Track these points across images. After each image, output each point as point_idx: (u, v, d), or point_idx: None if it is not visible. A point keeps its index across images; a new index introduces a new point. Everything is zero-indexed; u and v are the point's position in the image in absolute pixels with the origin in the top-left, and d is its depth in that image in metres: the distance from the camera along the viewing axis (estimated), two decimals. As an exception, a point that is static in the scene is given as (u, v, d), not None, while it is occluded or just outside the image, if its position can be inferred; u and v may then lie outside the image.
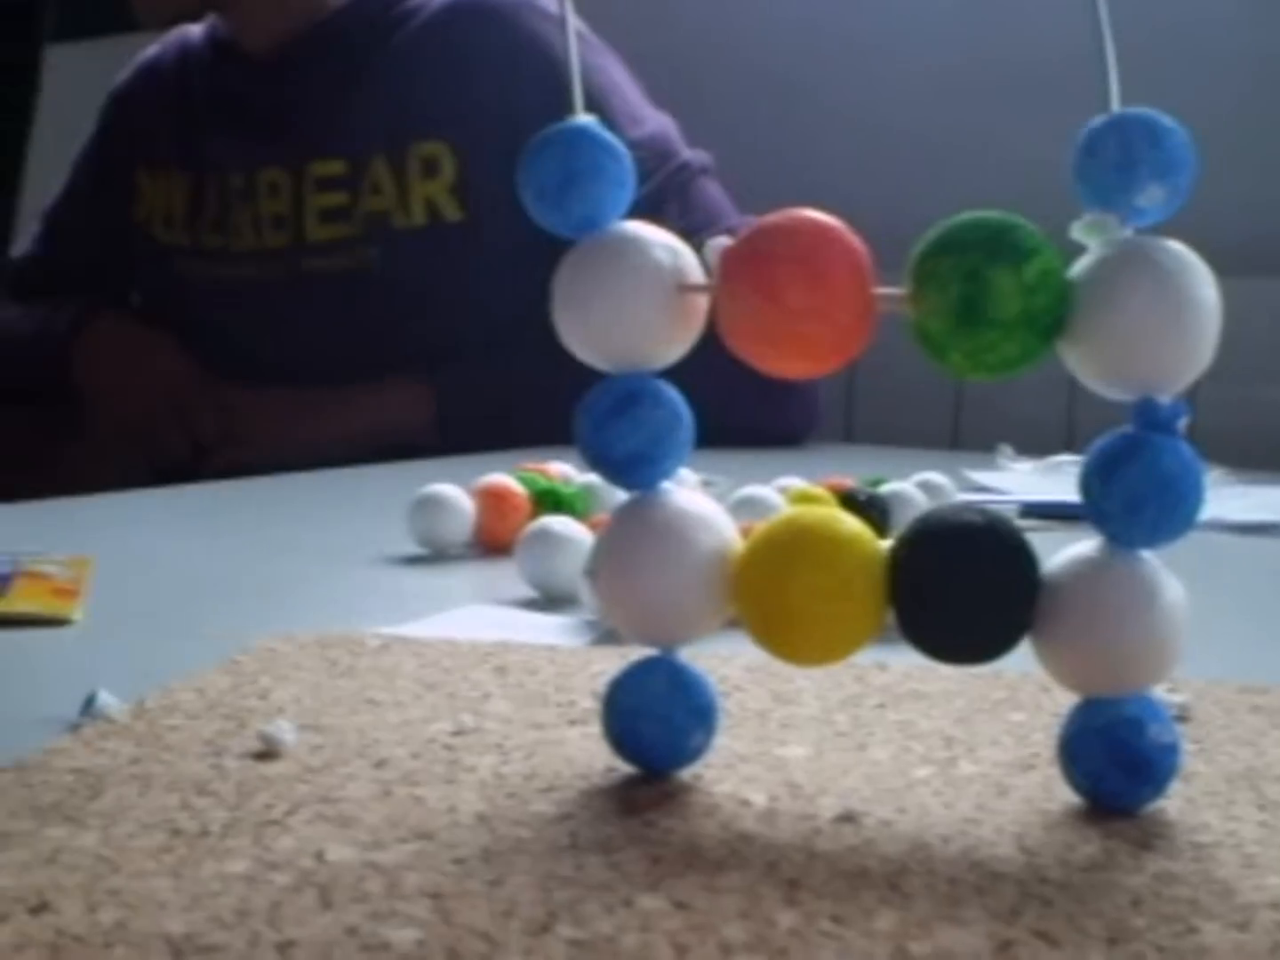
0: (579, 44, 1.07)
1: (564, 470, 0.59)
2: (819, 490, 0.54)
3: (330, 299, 1.06)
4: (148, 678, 0.32)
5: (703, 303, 0.26)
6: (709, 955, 0.19)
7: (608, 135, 0.26)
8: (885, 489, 0.58)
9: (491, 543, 0.54)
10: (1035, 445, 0.85)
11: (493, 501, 0.54)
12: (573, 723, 0.30)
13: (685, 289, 0.25)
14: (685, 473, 0.60)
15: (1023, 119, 1.15)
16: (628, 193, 0.26)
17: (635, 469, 0.26)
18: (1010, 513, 0.60)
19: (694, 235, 0.27)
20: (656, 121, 1.05)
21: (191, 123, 1.11)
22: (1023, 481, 0.76)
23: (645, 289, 0.25)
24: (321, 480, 0.79)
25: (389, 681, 0.33)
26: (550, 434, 0.75)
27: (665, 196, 1.00)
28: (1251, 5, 1.18)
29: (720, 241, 0.25)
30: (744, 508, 0.52)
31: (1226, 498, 0.70)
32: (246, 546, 0.58)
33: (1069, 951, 0.20)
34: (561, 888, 0.21)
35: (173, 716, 0.29)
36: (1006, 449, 0.82)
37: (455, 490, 0.54)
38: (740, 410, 0.91)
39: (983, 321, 0.24)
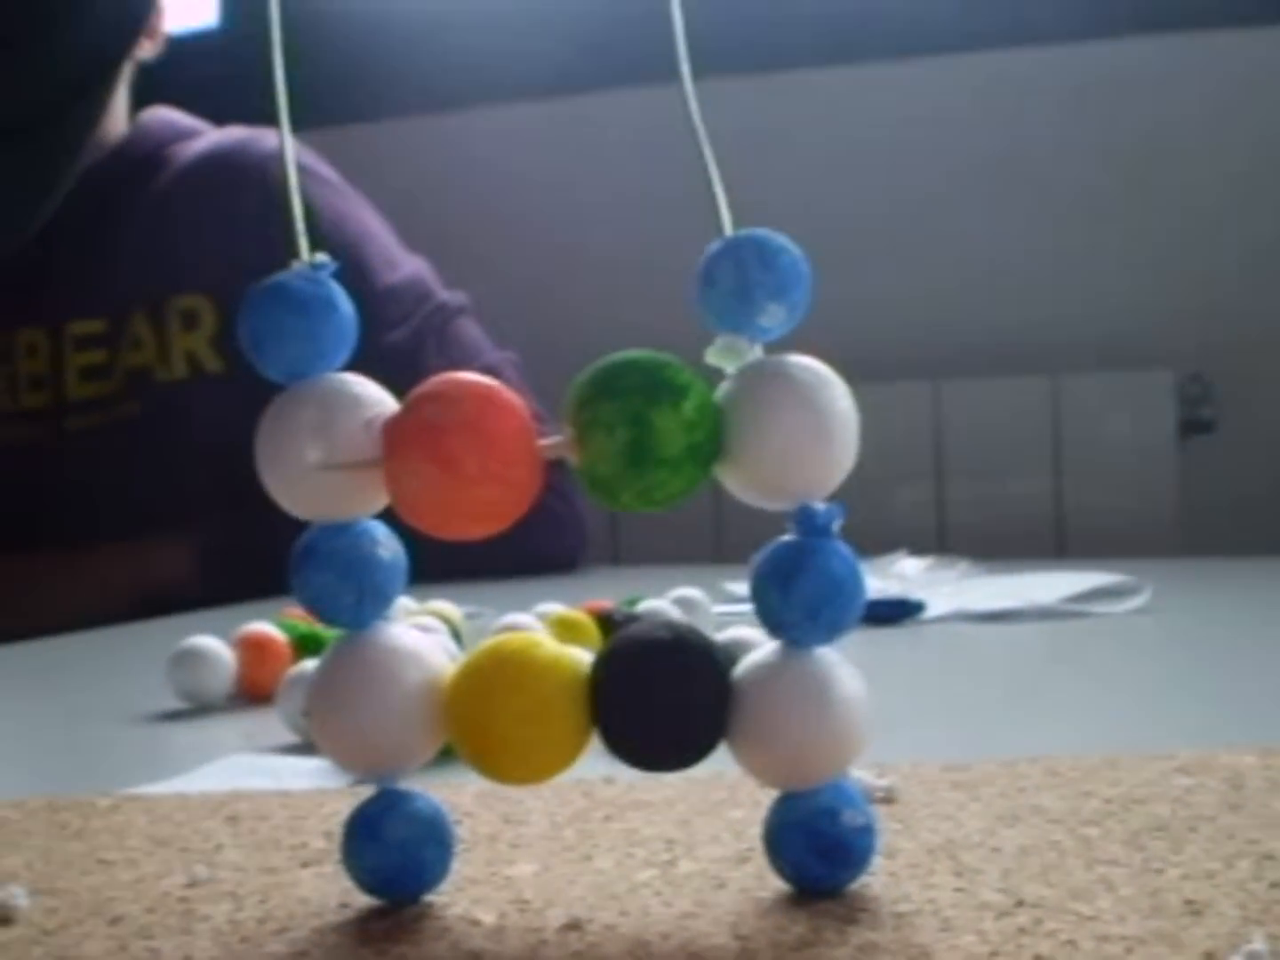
0: (332, 194, 1.08)
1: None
2: (577, 614, 0.56)
3: (92, 456, 1.05)
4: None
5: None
6: (428, 1069, 0.20)
7: (320, 285, 0.26)
8: (641, 607, 0.60)
9: (255, 691, 0.54)
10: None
11: (253, 650, 0.54)
12: (305, 864, 0.30)
13: (344, 466, 0.26)
14: (447, 606, 0.61)
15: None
16: (339, 340, 0.27)
17: (326, 614, 0.27)
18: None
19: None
20: (412, 265, 1.07)
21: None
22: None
23: (358, 442, 0.26)
24: (81, 640, 0.78)
25: (120, 840, 0.33)
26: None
27: (424, 337, 1.02)
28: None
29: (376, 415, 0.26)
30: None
31: (969, 589, 0.74)
32: (6, 711, 0.57)
33: (771, 1028, 0.21)
34: (288, 1021, 0.22)
35: (-99, 892, 0.29)
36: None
37: (214, 641, 0.54)
38: (510, 540, 0.92)
39: (651, 462, 0.25)
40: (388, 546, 0.27)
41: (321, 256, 0.27)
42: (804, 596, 0.25)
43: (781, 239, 0.26)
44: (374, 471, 0.26)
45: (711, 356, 0.26)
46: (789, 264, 0.26)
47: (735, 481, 0.26)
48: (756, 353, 0.26)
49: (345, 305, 0.27)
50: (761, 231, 0.26)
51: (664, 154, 1.33)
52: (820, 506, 0.26)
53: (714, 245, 0.26)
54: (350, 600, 0.26)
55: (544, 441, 0.26)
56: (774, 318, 0.26)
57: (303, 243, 0.27)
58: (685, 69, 0.26)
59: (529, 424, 0.26)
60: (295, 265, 0.27)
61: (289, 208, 0.27)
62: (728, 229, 0.26)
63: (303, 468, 0.26)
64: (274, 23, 0.27)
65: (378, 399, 0.26)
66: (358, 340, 0.27)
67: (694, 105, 0.26)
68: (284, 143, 0.28)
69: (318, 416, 0.26)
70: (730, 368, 0.26)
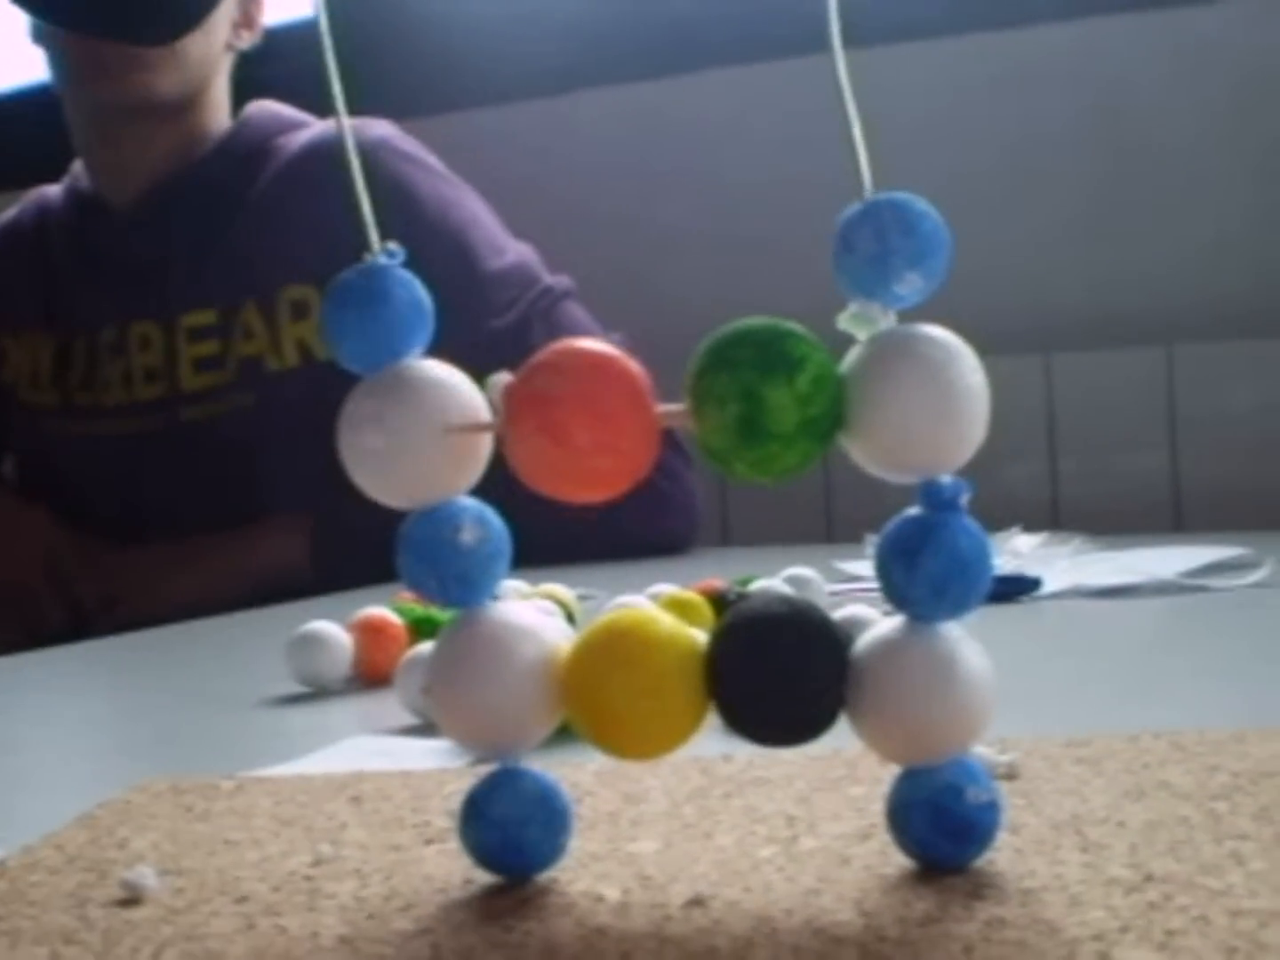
0: (438, 181, 1.09)
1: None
2: (690, 594, 0.55)
3: (207, 446, 1.06)
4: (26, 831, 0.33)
5: (483, 439, 0.26)
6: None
7: (391, 276, 0.27)
8: (754, 586, 0.60)
9: (373, 675, 0.54)
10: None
11: (370, 634, 0.55)
12: (429, 842, 0.31)
13: (462, 429, 0.26)
14: (560, 589, 0.62)
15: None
16: (417, 329, 0.27)
17: (422, 596, 0.27)
18: (876, 599, 0.62)
19: None
20: (517, 250, 1.07)
21: (54, 283, 1.12)
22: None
23: (417, 430, 0.26)
24: (202, 629, 0.80)
25: (245, 821, 0.33)
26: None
27: (530, 322, 1.02)
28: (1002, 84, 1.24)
29: (502, 378, 0.26)
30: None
31: (1085, 565, 0.73)
32: (130, 699, 0.58)
33: (900, 1002, 0.21)
34: (417, 997, 0.22)
35: (35, 873, 0.30)
36: (874, 538, 0.84)
37: (332, 626, 0.55)
38: (620, 521, 0.92)
39: (763, 436, 0.24)
40: (472, 531, 0.27)
41: (391, 245, 0.27)
42: (929, 573, 0.25)
43: (922, 203, 0.25)
44: (469, 446, 0.26)
45: (843, 323, 0.25)
46: (930, 230, 0.25)
47: (858, 453, 0.26)
48: (890, 320, 0.25)
49: (404, 294, 0.27)
50: (901, 195, 0.25)
51: (756, 134, 1.33)
52: (946, 480, 0.25)
53: (852, 209, 0.25)
54: (434, 585, 0.27)
55: (661, 409, 0.25)
56: (911, 285, 0.25)
57: (372, 233, 0.27)
58: (837, 38, 0.25)
59: (644, 393, 0.25)
60: (366, 257, 0.27)
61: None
62: (868, 190, 0.25)
63: (366, 456, 0.26)
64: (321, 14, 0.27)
65: (438, 384, 0.26)
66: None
67: (842, 68, 0.25)
68: (343, 132, 0.28)
69: (375, 408, 0.26)
70: (862, 335, 0.25)
